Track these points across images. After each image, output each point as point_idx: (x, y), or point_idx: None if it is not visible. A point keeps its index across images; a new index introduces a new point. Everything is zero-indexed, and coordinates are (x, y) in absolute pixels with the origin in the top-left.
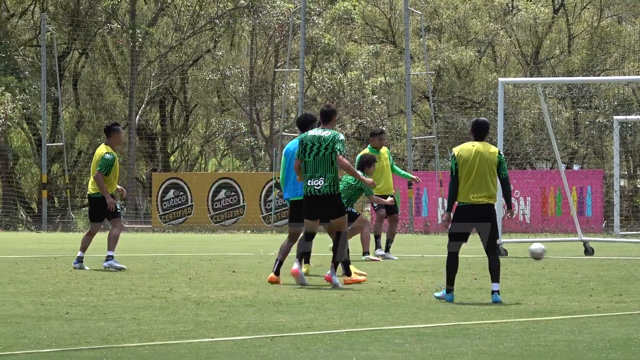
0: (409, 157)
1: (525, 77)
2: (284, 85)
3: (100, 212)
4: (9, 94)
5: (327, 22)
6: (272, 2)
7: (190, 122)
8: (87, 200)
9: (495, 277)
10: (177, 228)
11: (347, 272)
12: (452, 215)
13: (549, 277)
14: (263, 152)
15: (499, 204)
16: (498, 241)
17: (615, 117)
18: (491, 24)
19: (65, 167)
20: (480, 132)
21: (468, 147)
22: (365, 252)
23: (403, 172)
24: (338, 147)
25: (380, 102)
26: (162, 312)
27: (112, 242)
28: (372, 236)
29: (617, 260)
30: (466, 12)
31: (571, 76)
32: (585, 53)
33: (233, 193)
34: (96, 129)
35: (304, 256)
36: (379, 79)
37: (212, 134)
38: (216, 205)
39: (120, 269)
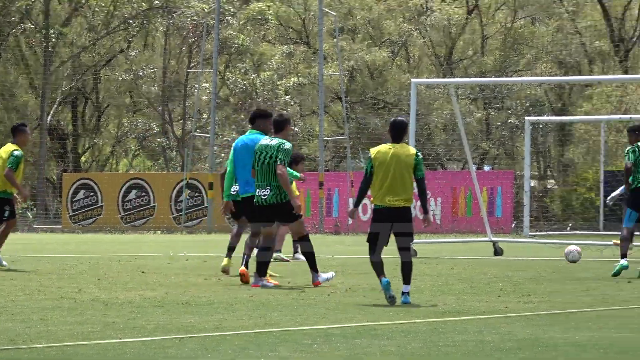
0: (320, 157)
1: (438, 77)
2: (196, 85)
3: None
4: None
5: (241, 22)
6: (186, 2)
7: (102, 122)
8: None
9: (406, 279)
10: (87, 229)
11: (260, 272)
12: (358, 212)
13: (458, 278)
14: (175, 153)
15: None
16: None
17: (527, 117)
18: (405, 24)
19: None
20: (397, 132)
21: (385, 149)
22: (277, 250)
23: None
24: (280, 157)
25: (292, 103)
26: (71, 313)
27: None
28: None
29: (526, 260)
30: (380, 13)
31: (484, 77)
32: (499, 54)
33: (144, 193)
34: (7, 129)
35: (229, 251)
36: (292, 79)
37: (124, 134)
38: (126, 205)
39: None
